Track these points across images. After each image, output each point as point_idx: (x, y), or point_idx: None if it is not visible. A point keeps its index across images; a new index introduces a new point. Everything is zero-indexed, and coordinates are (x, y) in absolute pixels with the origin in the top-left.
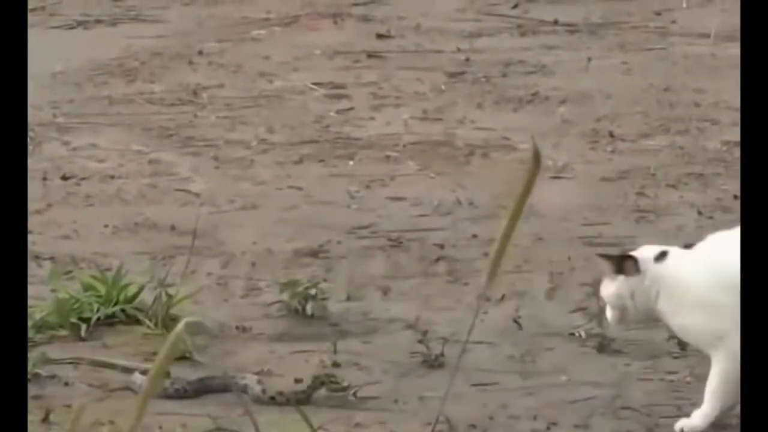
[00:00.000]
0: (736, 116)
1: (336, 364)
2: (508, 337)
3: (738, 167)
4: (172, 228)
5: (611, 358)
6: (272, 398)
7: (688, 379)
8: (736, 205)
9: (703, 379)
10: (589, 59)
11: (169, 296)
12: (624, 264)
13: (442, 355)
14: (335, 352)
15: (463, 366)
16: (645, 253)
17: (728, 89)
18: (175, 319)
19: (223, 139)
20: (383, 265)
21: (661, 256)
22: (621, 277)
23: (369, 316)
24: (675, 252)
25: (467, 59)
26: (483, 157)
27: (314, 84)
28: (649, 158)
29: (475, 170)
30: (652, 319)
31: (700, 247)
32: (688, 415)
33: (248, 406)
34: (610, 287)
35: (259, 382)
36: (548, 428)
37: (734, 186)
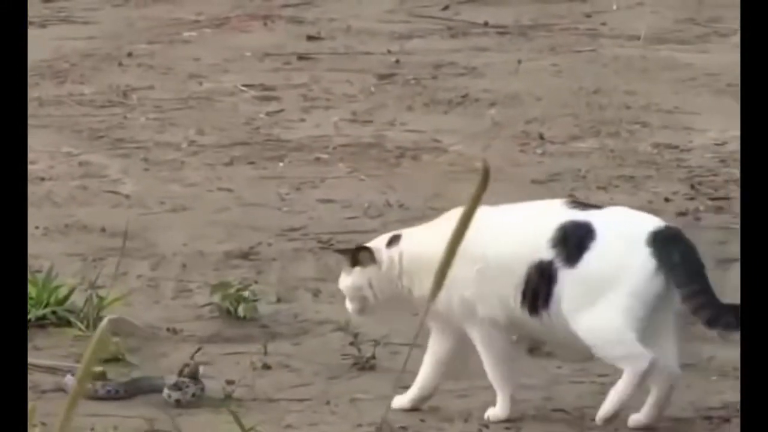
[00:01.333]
0: (667, 118)
1: (266, 366)
2: None
3: (668, 170)
4: (103, 230)
5: (542, 361)
6: (177, 401)
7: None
8: (667, 207)
9: None
10: (519, 61)
11: (100, 298)
12: (359, 255)
13: (373, 357)
14: (266, 353)
15: (394, 369)
16: (378, 242)
17: (658, 91)
18: None
19: (153, 141)
20: (313, 267)
21: (393, 240)
22: (357, 269)
23: (299, 318)
24: (407, 232)
25: (397, 61)
26: (413, 159)
27: (244, 86)
28: (579, 160)
29: (405, 172)
30: (398, 305)
31: (434, 222)
32: (620, 417)
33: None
34: (348, 280)
35: (175, 386)
36: (480, 430)
37: (665, 188)
